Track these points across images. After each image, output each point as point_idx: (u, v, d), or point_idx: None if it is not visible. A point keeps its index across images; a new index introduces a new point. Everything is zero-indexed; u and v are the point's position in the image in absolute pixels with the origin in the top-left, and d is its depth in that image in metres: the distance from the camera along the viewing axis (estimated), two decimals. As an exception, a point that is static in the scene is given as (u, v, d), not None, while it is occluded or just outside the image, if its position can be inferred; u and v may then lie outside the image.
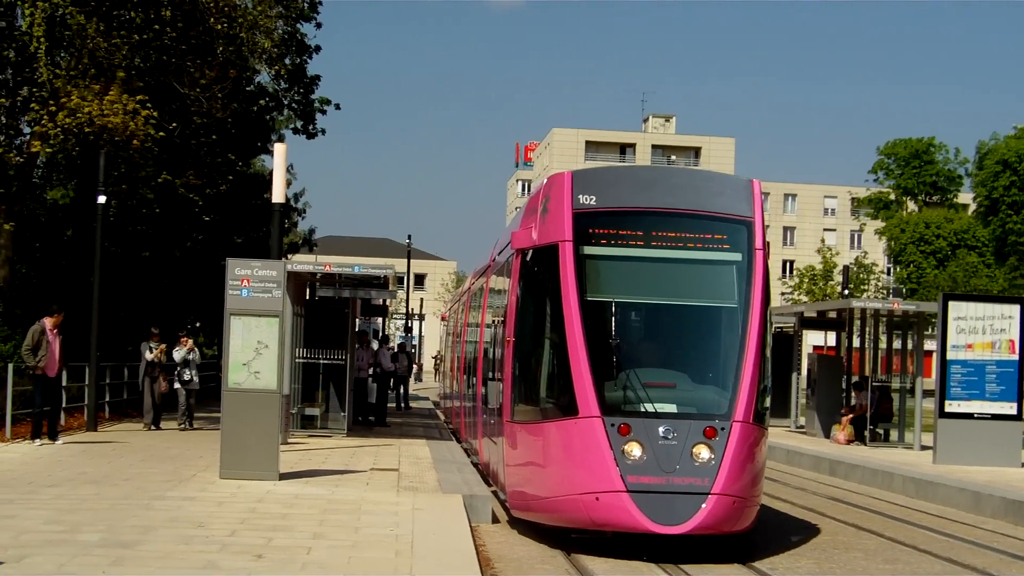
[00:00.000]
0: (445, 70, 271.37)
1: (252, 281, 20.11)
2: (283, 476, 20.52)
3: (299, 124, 41.68)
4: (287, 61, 37.69)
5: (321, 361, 31.15)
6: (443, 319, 54.25)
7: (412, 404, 49.04)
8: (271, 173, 53.10)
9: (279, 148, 24.53)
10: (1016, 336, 29.69)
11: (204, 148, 35.27)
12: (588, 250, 17.41)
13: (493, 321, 22.73)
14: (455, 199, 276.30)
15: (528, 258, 18.32)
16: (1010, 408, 29.51)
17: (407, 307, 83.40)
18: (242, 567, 12.90)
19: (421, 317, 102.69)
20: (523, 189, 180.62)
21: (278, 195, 24.71)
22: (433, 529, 16.07)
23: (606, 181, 18.09)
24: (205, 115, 33.26)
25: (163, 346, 31.81)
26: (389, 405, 40.33)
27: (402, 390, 47.02)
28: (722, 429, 16.40)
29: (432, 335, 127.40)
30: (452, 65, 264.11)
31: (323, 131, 41.31)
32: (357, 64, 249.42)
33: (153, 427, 31.44)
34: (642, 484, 15.94)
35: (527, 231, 18.41)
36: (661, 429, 16.28)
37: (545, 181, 18.40)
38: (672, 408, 16.72)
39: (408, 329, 67.33)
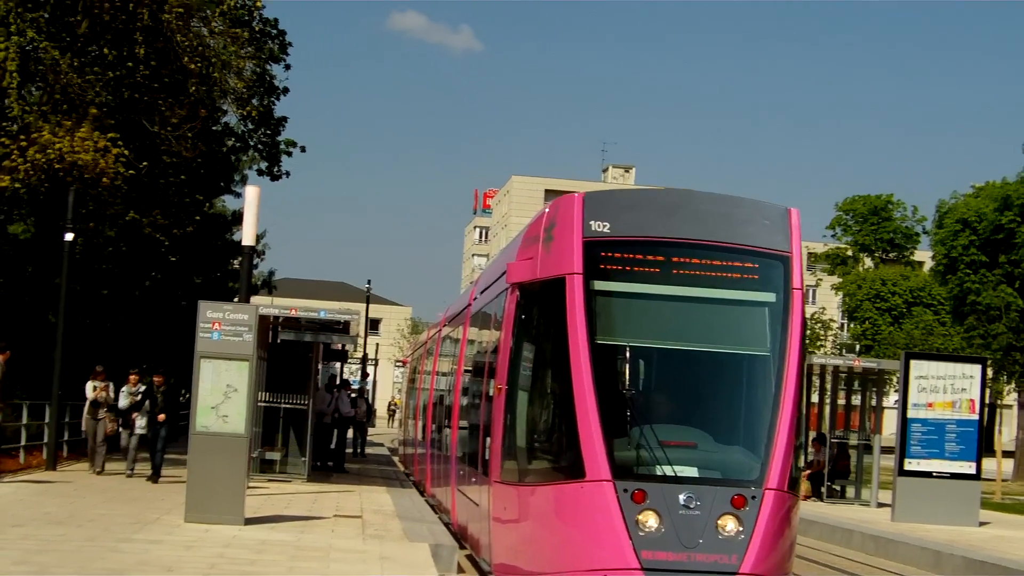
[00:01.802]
0: (404, 114, 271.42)
1: (223, 324, 20.05)
2: (248, 521, 20.35)
3: (264, 165, 41.51)
4: (255, 102, 37.65)
5: (283, 405, 31.04)
6: (403, 363, 53.57)
7: (367, 450, 48.89)
8: (233, 214, 53.44)
9: (252, 191, 24.51)
10: (976, 396, 29.96)
11: (172, 188, 35.20)
12: (600, 285, 14.85)
13: (475, 366, 20.47)
14: (412, 244, 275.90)
15: (527, 294, 15.89)
16: (969, 467, 29.66)
17: (364, 352, 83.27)
18: (216, 614, 12.80)
19: (375, 362, 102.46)
20: (481, 236, 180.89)
21: (249, 237, 24.67)
22: (401, 578, 15.98)
23: (622, 205, 15.48)
24: (174, 154, 33.22)
25: (105, 384, 29.98)
26: (347, 451, 40.19)
27: (358, 436, 46.86)
28: (752, 498, 14.03)
29: (386, 380, 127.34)
30: (411, 109, 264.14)
31: (287, 173, 41.16)
32: (316, 106, 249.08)
33: (98, 470, 29.73)
34: (659, 561, 13.62)
35: (527, 263, 15.86)
36: (682, 497, 13.83)
37: (548, 207, 16.00)
38: (694, 472, 14.29)
39: (365, 374, 67.16)
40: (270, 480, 29.61)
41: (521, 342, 15.96)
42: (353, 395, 42.98)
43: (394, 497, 28.00)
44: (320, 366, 36.01)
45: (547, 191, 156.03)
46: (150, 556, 16.41)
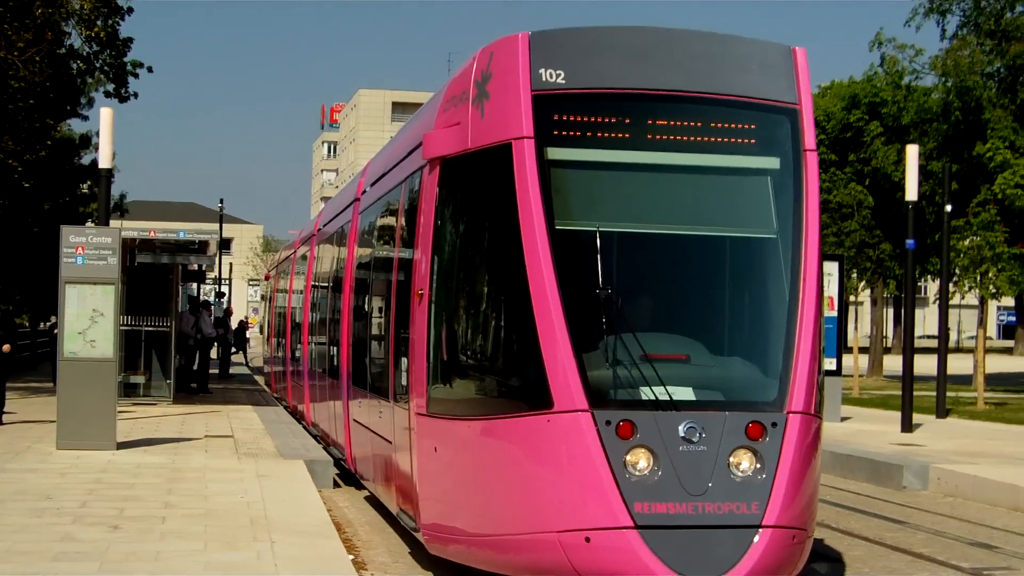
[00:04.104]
0: (248, 30, 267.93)
1: (87, 248, 19.82)
2: (120, 445, 20.26)
3: (111, 87, 40.84)
4: (100, 23, 36.98)
5: (145, 328, 30.86)
6: (267, 278, 50.28)
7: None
8: (81, 137, 52.65)
9: (106, 113, 24.14)
10: (835, 293, 30.44)
11: (22, 113, 34.54)
12: (556, 153, 11.25)
13: (375, 270, 16.89)
14: (260, 162, 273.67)
15: (455, 170, 12.21)
16: (830, 364, 30.10)
17: (219, 272, 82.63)
18: (100, 538, 12.72)
19: (229, 282, 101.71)
20: (329, 151, 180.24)
21: (105, 160, 24.33)
22: (282, 496, 16.03)
23: (580, 48, 11.50)
24: (21, 79, 32.57)
25: None
26: (211, 371, 40.06)
27: (221, 356, 46.78)
28: (773, 425, 10.67)
29: (240, 300, 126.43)
30: (255, 24, 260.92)
31: (135, 94, 40.53)
32: (161, 25, 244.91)
33: None
34: (657, 515, 10.22)
35: (453, 131, 12.12)
36: (682, 428, 10.44)
37: (478, 53, 12.09)
38: (691, 394, 10.86)
39: (220, 294, 66.60)
40: (135, 404, 29.42)
41: (447, 234, 12.44)
42: (220, 315, 42.84)
43: (262, 415, 28.07)
44: (180, 287, 35.80)
45: (394, 103, 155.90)
46: (27, 485, 16.27)
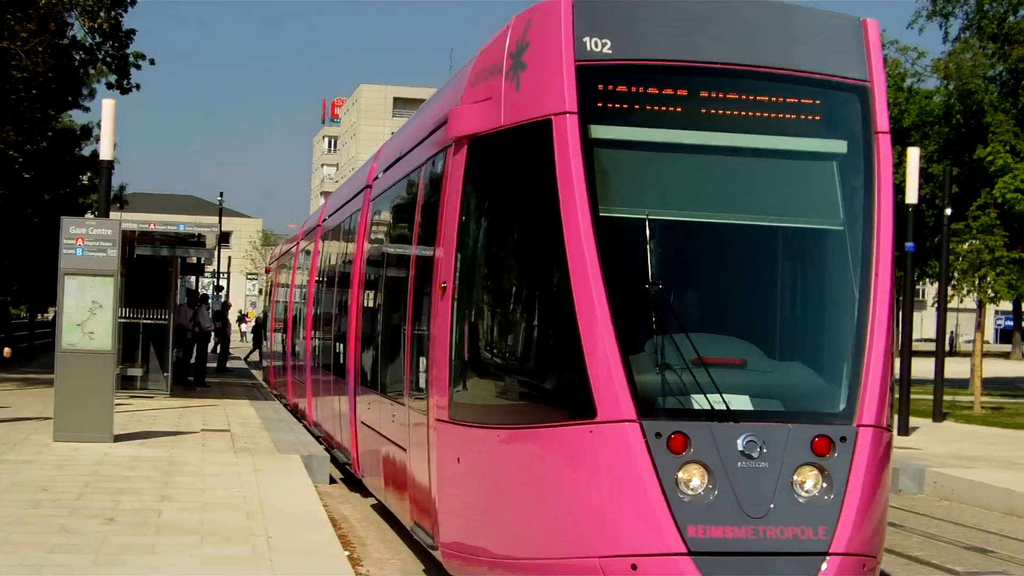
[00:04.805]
0: (252, 24, 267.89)
1: (87, 240, 19.82)
2: (117, 438, 20.25)
3: (113, 79, 40.87)
4: (103, 14, 37.01)
5: (143, 321, 30.85)
6: (266, 272, 49.13)
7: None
8: (82, 128, 52.55)
9: (108, 104, 24.06)
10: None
11: (24, 103, 34.54)
12: (603, 131, 9.99)
13: (389, 261, 15.55)
14: (260, 156, 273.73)
15: (486, 150, 10.93)
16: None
17: (217, 266, 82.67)
18: (96, 531, 12.71)
19: (228, 275, 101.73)
20: (329, 146, 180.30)
21: (106, 152, 24.22)
22: (279, 490, 16.03)
23: (629, 16, 10.29)
24: (24, 69, 32.56)
25: None
26: (209, 365, 40.07)
27: (219, 350, 46.81)
28: (842, 440, 9.54)
29: (239, 294, 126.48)
30: (259, 19, 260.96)
31: (138, 86, 40.55)
32: (164, 18, 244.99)
33: None
34: (713, 540, 9.11)
35: (484, 106, 10.84)
36: (741, 442, 9.30)
37: (513, 20, 10.84)
38: (748, 403, 9.67)
39: (219, 288, 66.72)
40: (132, 397, 29.40)
41: (475, 221, 11.19)
42: (218, 309, 42.86)
43: (258, 410, 28.05)
44: (178, 281, 35.83)
45: (395, 99, 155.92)
46: (23, 476, 16.26)
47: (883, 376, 9.85)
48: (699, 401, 9.44)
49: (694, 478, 9.20)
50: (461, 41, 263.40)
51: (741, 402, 9.58)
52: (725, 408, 9.41)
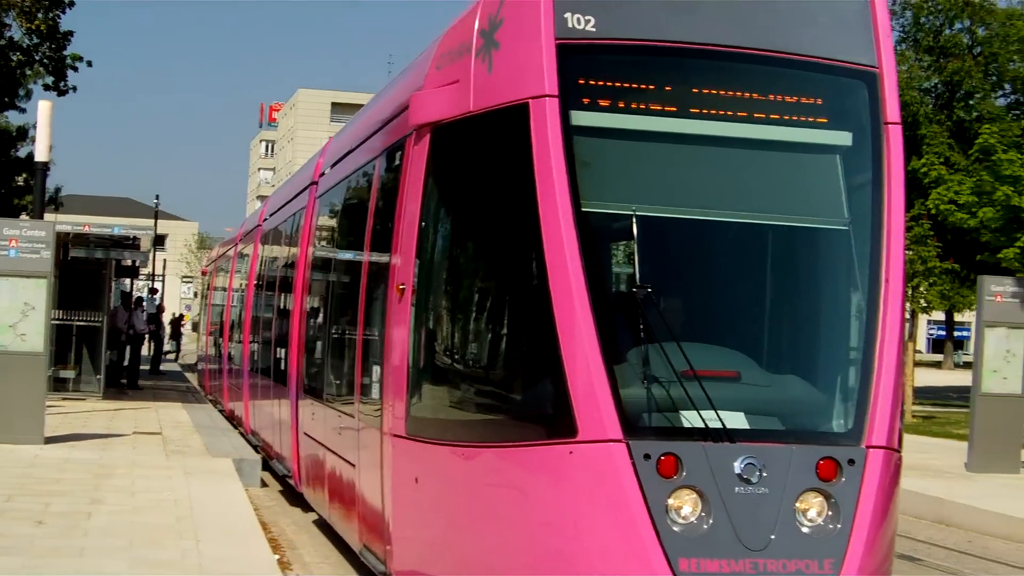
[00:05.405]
0: (190, 27, 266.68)
1: (21, 241, 19.71)
2: (48, 440, 20.15)
3: (50, 80, 40.68)
4: (40, 16, 36.85)
5: (76, 323, 30.66)
6: (203, 274, 48.35)
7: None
8: (18, 130, 52.16)
9: (44, 105, 23.93)
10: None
11: (-40, 104, 34.37)
12: (584, 117, 8.78)
13: (337, 262, 14.73)
14: (197, 159, 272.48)
15: (453, 138, 9.81)
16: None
17: (152, 268, 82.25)
18: (25, 533, 12.68)
19: (163, 278, 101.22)
20: (266, 150, 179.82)
21: (42, 153, 24.11)
22: (209, 493, 16.03)
23: None
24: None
25: None
26: (142, 367, 39.85)
27: (153, 353, 46.60)
28: (850, 463, 8.49)
29: (173, 297, 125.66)
30: (197, 22, 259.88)
31: (74, 88, 40.41)
32: (101, 20, 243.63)
33: None
34: (709, 575, 8.09)
35: (450, 90, 9.69)
36: (738, 464, 8.22)
37: None
38: (743, 420, 8.58)
39: (153, 290, 66.22)
40: (64, 399, 29.20)
41: (439, 217, 10.17)
42: (153, 312, 42.66)
43: (191, 413, 27.99)
44: (113, 283, 35.65)
45: (334, 103, 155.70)
46: (-48, 477, 16.18)
47: (894, 391, 8.83)
48: (691, 418, 8.33)
49: (686, 505, 8.14)
50: (400, 47, 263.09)
51: (736, 420, 8.50)
52: (721, 426, 8.30)
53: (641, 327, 8.48)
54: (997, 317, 23.43)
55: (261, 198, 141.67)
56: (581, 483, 8.16)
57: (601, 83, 8.89)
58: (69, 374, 30.82)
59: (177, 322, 61.62)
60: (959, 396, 29.83)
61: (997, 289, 23.58)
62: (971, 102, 50.14)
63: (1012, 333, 23.40)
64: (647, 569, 7.92)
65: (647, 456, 8.04)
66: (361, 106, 13.72)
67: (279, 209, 21.52)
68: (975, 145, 37.00)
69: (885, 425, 8.65)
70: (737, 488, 8.17)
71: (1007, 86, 50.52)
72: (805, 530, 8.27)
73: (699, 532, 8.06)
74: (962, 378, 30.11)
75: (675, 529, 8.02)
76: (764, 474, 8.21)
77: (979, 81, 49.32)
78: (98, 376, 31.09)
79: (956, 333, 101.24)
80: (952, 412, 41.77)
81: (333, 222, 15.51)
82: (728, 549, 8.06)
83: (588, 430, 8.08)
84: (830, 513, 8.35)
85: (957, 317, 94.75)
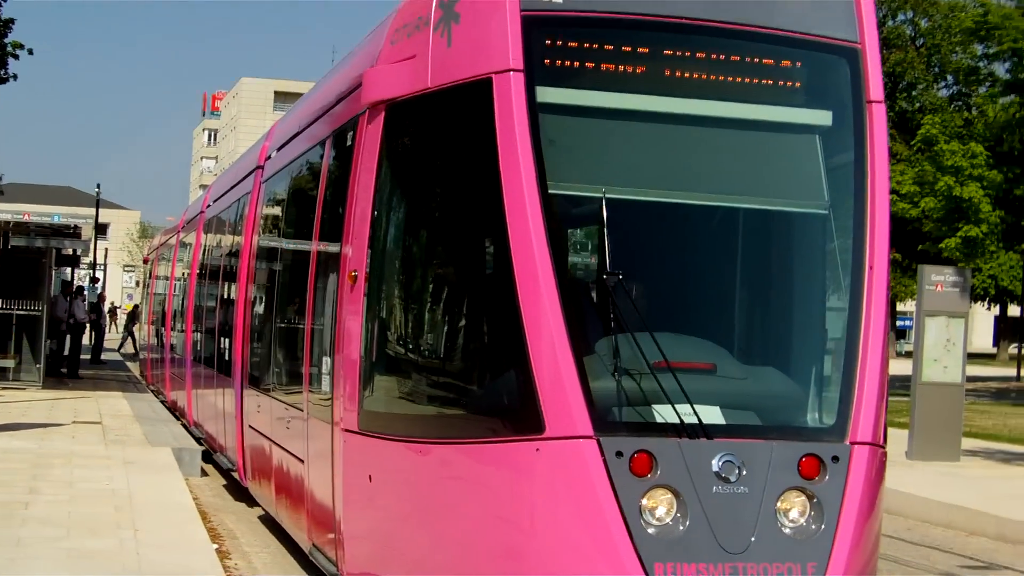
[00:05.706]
0: (132, 14, 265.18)
1: (-41, 231, 19.56)
2: (-14, 429, 19.98)
3: (-11, 69, 40.28)
4: (-21, 4, 36.54)
5: (16, 312, 30.41)
6: (145, 262, 47.36)
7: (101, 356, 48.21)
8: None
9: (-19, 92, 23.80)
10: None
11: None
12: (552, 94, 8.28)
13: (284, 248, 14.12)
14: (139, 148, 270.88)
15: (409, 117, 9.35)
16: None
17: (93, 257, 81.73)
18: (-40, 523, 12.59)
19: (104, 267, 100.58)
20: (209, 139, 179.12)
21: (-21, 141, 23.93)
22: (148, 482, 15.88)
23: None
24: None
25: None
26: (82, 357, 39.59)
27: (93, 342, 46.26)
28: (833, 460, 8.09)
29: (115, 286, 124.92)
30: (139, 9, 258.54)
31: (15, 76, 40.01)
32: (45, 7, 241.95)
33: None
34: None
35: (405, 66, 9.11)
36: (716, 462, 7.79)
37: None
38: (719, 415, 8.17)
39: (94, 279, 65.81)
40: (4, 388, 29.03)
41: (395, 199, 9.65)
42: (94, 301, 42.40)
43: (131, 402, 27.86)
44: (54, 272, 35.38)
45: (277, 92, 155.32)
46: None
47: (879, 385, 8.49)
48: (665, 413, 7.88)
49: (661, 506, 7.70)
50: (343, 37, 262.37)
51: (713, 414, 8.07)
52: (697, 422, 7.87)
53: (611, 316, 8.03)
54: (937, 307, 23.59)
55: (204, 187, 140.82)
56: (548, 483, 7.72)
57: (568, 57, 8.38)
58: (8, 363, 30.55)
59: (112, 313, 61.04)
60: (900, 385, 29.93)
61: (937, 279, 23.73)
62: (914, 93, 50.59)
63: (952, 322, 23.57)
64: (619, 572, 7.50)
65: (619, 453, 7.60)
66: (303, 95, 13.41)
67: (223, 195, 20.80)
68: (917, 135, 37.32)
69: (871, 420, 8.33)
70: (715, 487, 7.75)
71: (949, 77, 50.94)
72: (787, 532, 7.89)
73: (675, 534, 7.65)
74: (903, 367, 30.18)
75: (649, 531, 7.62)
76: (743, 472, 7.80)
77: (921, 72, 49.76)
78: (38, 365, 30.83)
79: (898, 322, 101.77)
80: (893, 401, 41.90)
81: (280, 207, 14.90)
82: (706, 552, 7.64)
83: (556, 426, 7.63)
84: (813, 514, 7.96)
85: (899, 307, 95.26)
